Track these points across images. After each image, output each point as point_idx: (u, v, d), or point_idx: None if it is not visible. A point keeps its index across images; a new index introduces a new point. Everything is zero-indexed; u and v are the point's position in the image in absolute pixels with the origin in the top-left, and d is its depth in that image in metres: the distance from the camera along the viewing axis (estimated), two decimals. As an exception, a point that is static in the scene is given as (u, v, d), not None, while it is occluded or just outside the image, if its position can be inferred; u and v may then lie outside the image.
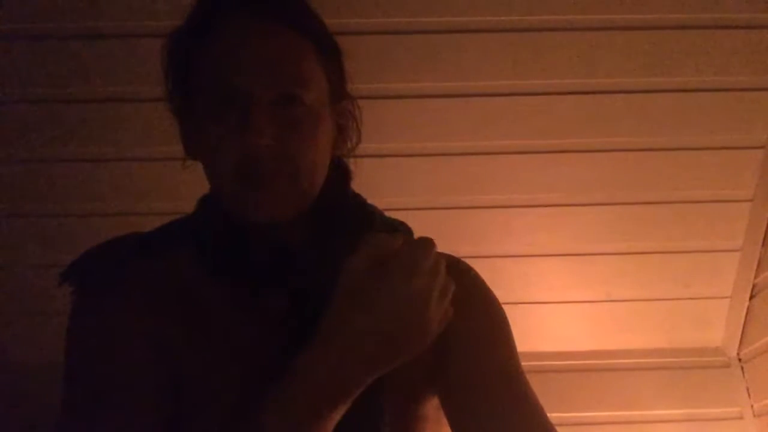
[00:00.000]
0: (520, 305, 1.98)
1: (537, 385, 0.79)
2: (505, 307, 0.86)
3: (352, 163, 0.90)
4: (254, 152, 0.75)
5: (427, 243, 0.72)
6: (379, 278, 0.68)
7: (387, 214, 0.90)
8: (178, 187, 1.19)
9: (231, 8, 0.79)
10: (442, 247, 0.87)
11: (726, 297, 2.05)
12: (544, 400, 0.78)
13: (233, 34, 0.78)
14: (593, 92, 1.77)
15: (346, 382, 0.68)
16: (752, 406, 2.03)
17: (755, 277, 2.00)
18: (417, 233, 0.91)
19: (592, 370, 2.07)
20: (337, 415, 0.68)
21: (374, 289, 0.68)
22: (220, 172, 0.79)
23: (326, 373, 0.67)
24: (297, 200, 0.80)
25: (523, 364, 0.81)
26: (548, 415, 0.76)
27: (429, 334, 0.69)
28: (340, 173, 0.88)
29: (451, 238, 1.82)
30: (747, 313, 2.05)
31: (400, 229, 0.91)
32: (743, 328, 2.07)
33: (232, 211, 0.80)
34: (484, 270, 0.88)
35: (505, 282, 1.86)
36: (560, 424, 0.76)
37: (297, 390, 0.67)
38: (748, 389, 2.06)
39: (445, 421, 0.80)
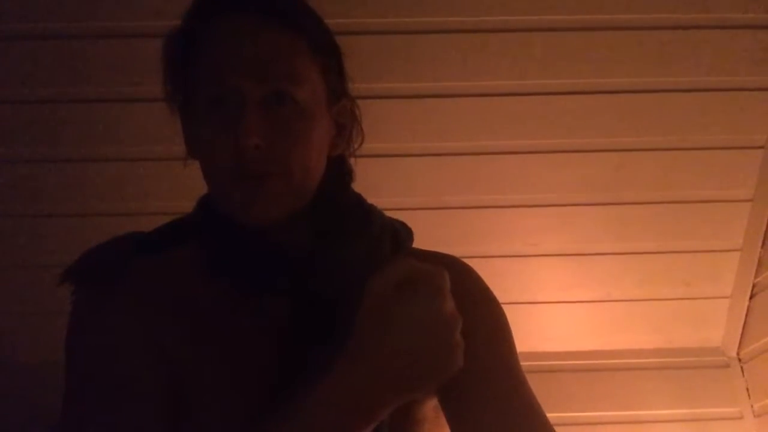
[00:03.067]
0: (520, 305, 1.98)
1: (537, 385, 0.79)
2: (505, 307, 0.86)
3: (352, 163, 0.90)
4: (243, 153, 0.74)
5: (443, 271, 0.68)
6: (407, 300, 0.65)
7: (387, 214, 0.90)
8: (178, 187, 1.19)
9: (224, 7, 0.79)
10: (442, 247, 0.88)
11: (726, 297, 2.05)
12: (543, 400, 0.78)
13: (225, 32, 0.78)
14: (593, 92, 1.77)
15: (373, 405, 0.65)
16: (752, 406, 2.03)
17: (755, 277, 2.00)
18: (417, 233, 0.91)
19: (592, 370, 2.07)
20: None
21: (403, 310, 0.64)
22: (212, 172, 0.79)
23: (352, 395, 0.64)
24: (289, 201, 0.79)
25: (523, 364, 0.81)
26: (548, 415, 0.76)
27: (458, 360, 0.65)
28: (341, 173, 0.87)
29: (451, 238, 1.83)
30: (747, 313, 2.05)
31: (400, 229, 0.90)
32: (743, 328, 2.07)
33: (226, 211, 0.80)
34: (484, 270, 0.88)
35: (505, 282, 1.85)
36: (560, 424, 0.76)
37: (319, 411, 0.64)
38: (748, 389, 2.06)
39: (444, 421, 0.79)
